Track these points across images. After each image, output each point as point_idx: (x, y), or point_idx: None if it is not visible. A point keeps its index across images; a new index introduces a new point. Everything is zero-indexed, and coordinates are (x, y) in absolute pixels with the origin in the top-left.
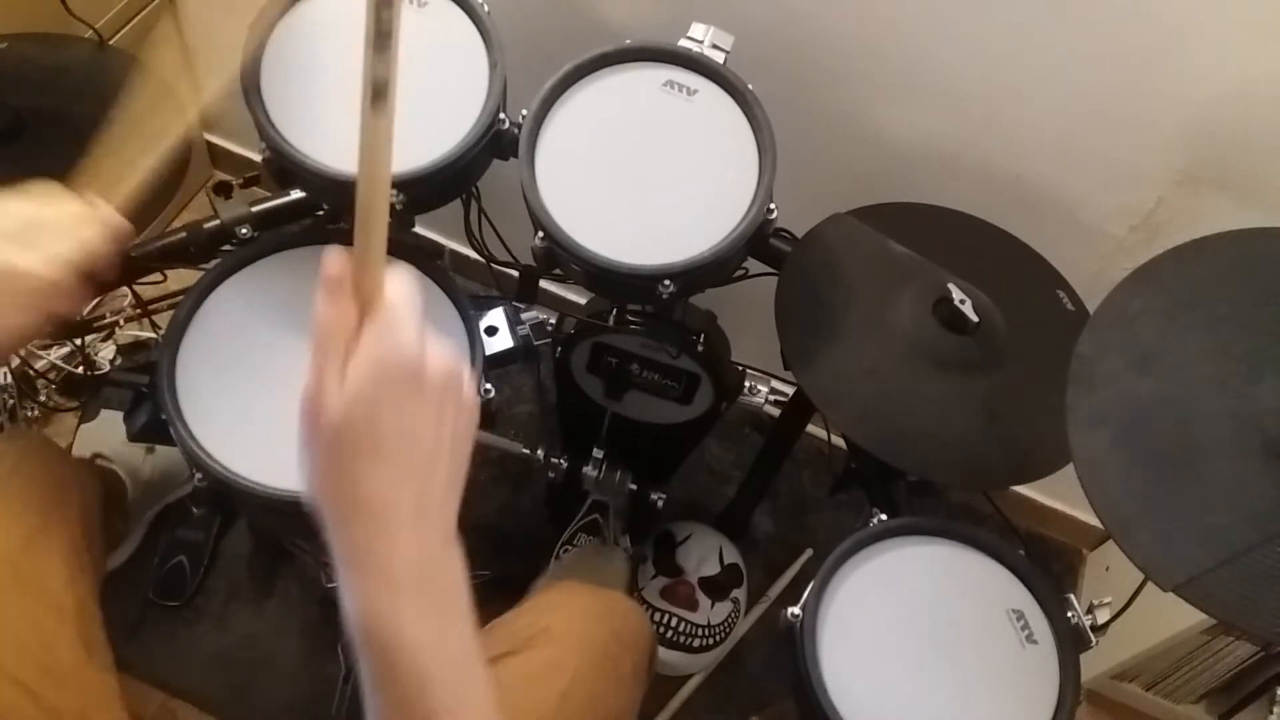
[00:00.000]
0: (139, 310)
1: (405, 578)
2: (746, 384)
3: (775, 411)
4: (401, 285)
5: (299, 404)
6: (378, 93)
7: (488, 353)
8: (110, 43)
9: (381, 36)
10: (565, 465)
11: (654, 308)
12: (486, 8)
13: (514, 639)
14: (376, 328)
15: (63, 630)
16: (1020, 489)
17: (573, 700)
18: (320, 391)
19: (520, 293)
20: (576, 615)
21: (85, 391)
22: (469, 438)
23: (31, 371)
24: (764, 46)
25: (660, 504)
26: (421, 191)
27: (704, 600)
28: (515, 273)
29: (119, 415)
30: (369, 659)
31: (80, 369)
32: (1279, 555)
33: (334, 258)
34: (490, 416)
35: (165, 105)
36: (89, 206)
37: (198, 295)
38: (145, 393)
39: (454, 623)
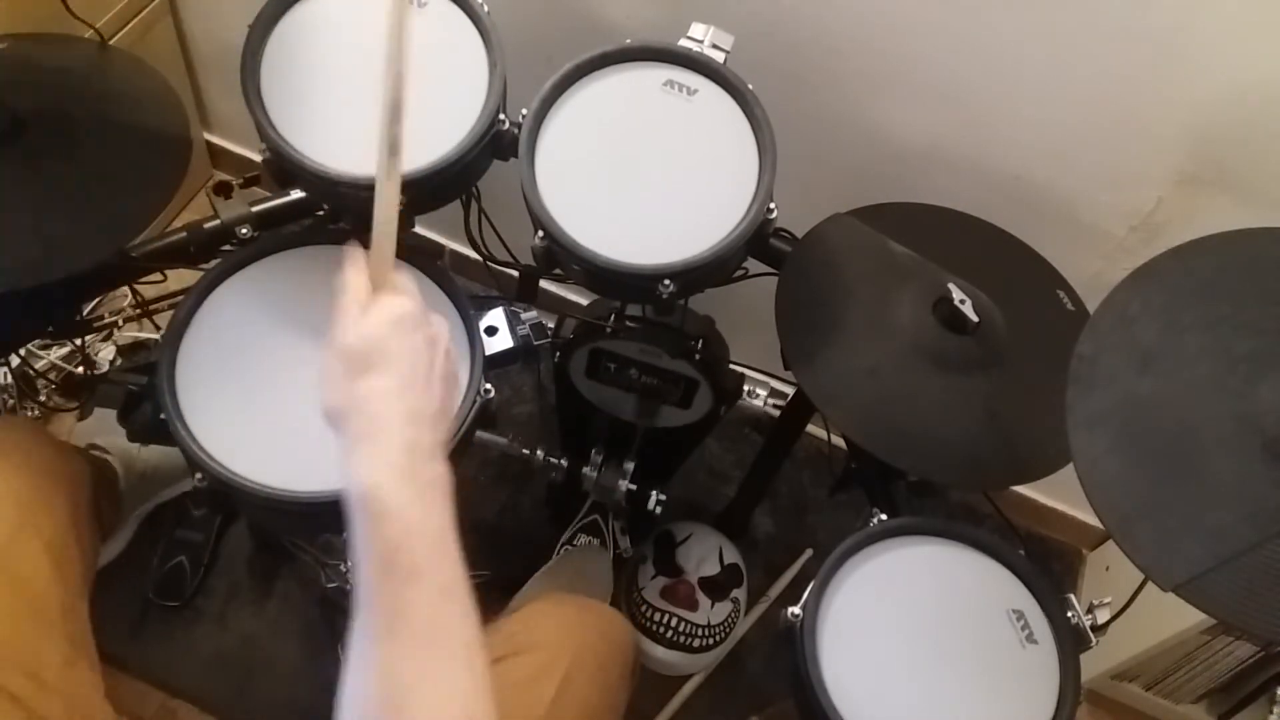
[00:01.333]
0: (139, 310)
1: (396, 461)
2: (746, 387)
3: (775, 412)
4: (406, 277)
5: (326, 347)
6: (393, 149)
7: (488, 353)
8: (110, 43)
9: (396, 108)
10: (565, 466)
11: (654, 308)
12: (486, 8)
13: (503, 645)
14: (389, 291)
15: (47, 629)
16: (1020, 489)
17: (562, 706)
18: (343, 327)
19: (520, 293)
20: (564, 623)
21: (85, 391)
22: (456, 380)
23: (31, 371)
24: (764, 46)
25: (660, 504)
26: (421, 192)
27: (704, 600)
28: (515, 273)
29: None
30: (361, 523)
31: (80, 369)
32: (1279, 555)
33: (355, 248)
34: (490, 417)
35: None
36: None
37: (198, 295)
38: (138, 391)
39: (435, 507)
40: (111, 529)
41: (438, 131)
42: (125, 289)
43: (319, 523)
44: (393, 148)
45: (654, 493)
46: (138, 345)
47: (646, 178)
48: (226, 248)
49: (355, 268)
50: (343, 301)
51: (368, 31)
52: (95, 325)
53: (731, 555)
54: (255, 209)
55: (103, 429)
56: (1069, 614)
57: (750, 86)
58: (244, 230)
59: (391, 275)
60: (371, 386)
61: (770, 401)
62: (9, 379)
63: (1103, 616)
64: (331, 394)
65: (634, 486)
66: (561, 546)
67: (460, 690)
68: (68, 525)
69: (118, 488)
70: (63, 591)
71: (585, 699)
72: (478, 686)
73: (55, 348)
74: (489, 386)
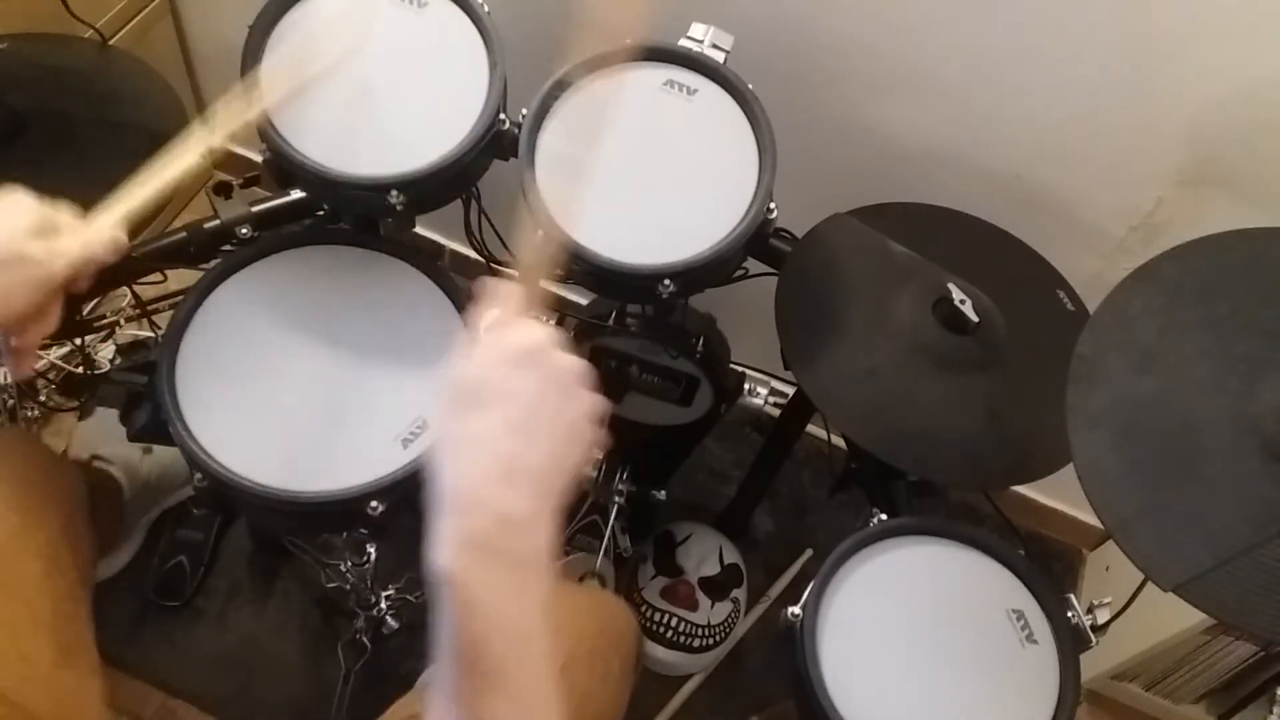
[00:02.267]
0: (139, 310)
1: (484, 535)
2: (746, 386)
3: (775, 411)
4: (538, 323)
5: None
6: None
7: None
8: (110, 43)
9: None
10: None
11: (654, 308)
12: (486, 8)
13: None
14: (512, 324)
15: (37, 633)
16: (1020, 489)
17: (563, 696)
18: (463, 355)
19: None
20: (566, 611)
21: (85, 391)
22: (582, 438)
23: (31, 371)
24: (764, 46)
25: (660, 504)
26: (422, 191)
27: (704, 600)
28: (515, 273)
29: (116, 413)
30: (443, 601)
31: (80, 368)
32: (1279, 555)
33: (491, 281)
34: None
35: (186, 132)
36: (97, 216)
37: (198, 295)
38: (141, 391)
39: (524, 597)
40: (115, 539)
41: (438, 131)
42: (125, 289)
43: (319, 523)
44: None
45: (654, 492)
46: (137, 345)
47: (647, 178)
48: (226, 248)
49: (491, 297)
50: (471, 330)
51: (368, 31)
52: (95, 325)
53: (731, 555)
54: (255, 209)
55: (104, 434)
56: (1069, 614)
57: (750, 86)
58: (244, 230)
59: (530, 310)
60: (471, 428)
61: (770, 401)
62: (9, 379)
63: (1103, 616)
64: (443, 424)
65: (634, 487)
66: (561, 547)
67: None
68: (60, 532)
69: (120, 499)
70: (55, 597)
71: (584, 688)
72: None
73: (55, 347)
74: None
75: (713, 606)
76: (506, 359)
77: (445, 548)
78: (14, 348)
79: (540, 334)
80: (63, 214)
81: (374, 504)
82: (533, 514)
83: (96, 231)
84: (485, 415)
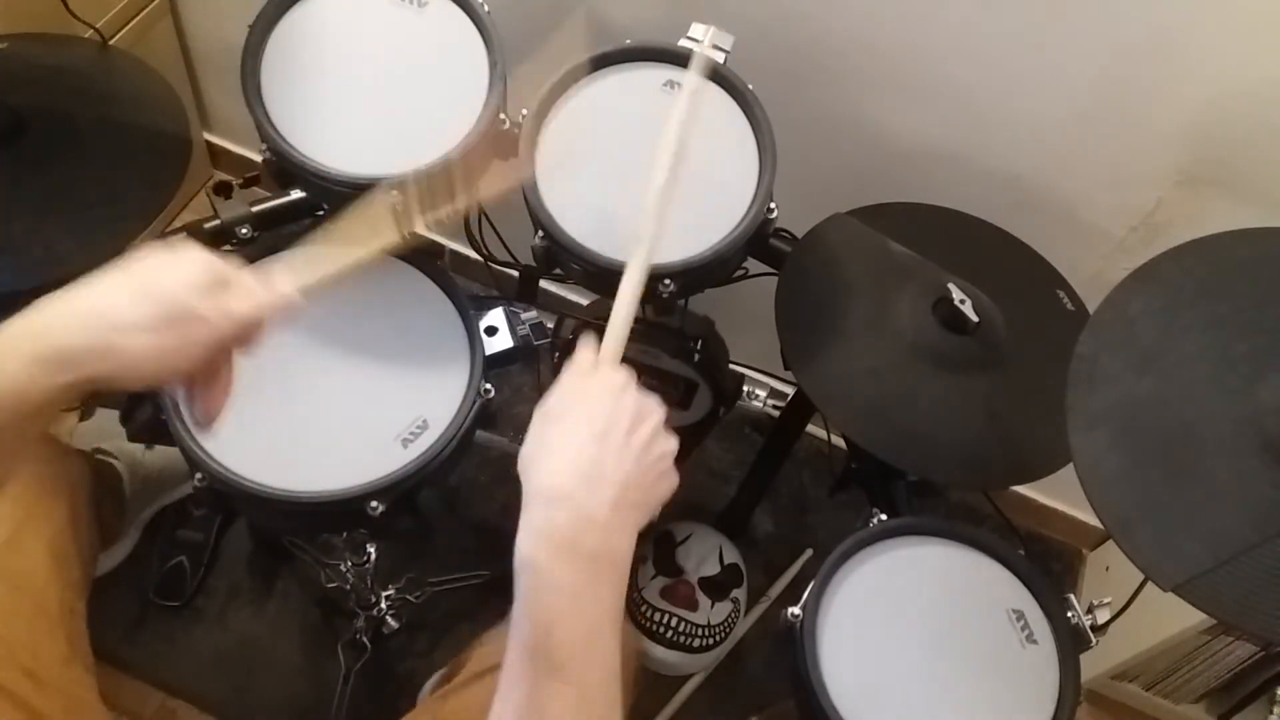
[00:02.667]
0: None
1: (560, 528)
2: (745, 388)
3: (775, 412)
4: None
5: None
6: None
7: (488, 353)
8: (110, 43)
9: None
10: None
11: (654, 308)
12: (486, 8)
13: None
14: (601, 367)
15: (47, 628)
16: (1020, 489)
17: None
18: (555, 389)
19: (520, 293)
20: None
21: None
22: (661, 473)
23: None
24: (764, 46)
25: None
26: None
27: (704, 600)
28: (515, 273)
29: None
30: (519, 587)
31: None
32: (1279, 555)
33: (590, 341)
34: (490, 417)
35: (382, 222)
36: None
37: None
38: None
39: (593, 592)
40: (115, 532)
41: (438, 131)
42: None
43: (319, 523)
44: (652, 247)
45: None
46: None
47: (647, 178)
48: (226, 248)
49: (587, 344)
50: (566, 370)
51: (368, 31)
52: None
53: (731, 555)
54: (255, 209)
55: (106, 432)
56: (1069, 614)
57: (750, 86)
58: (244, 230)
59: (618, 359)
60: (559, 429)
61: (770, 402)
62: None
63: (1103, 616)
64: (529, 443)
65: None
66: None
67: None
68: (67, 524)
69: (122, 492)
70: (62, 590)
71: None
72: None
73: None
74: (489, 386)
75: (713, 606)
76: (596, 387)
77: (528, 536)
78: (198, 415)
79: (624, 377)
80: (235, 270)
81: (374, 504)
82: (611, 517)
83: (271, 291)
84: (571, 423)
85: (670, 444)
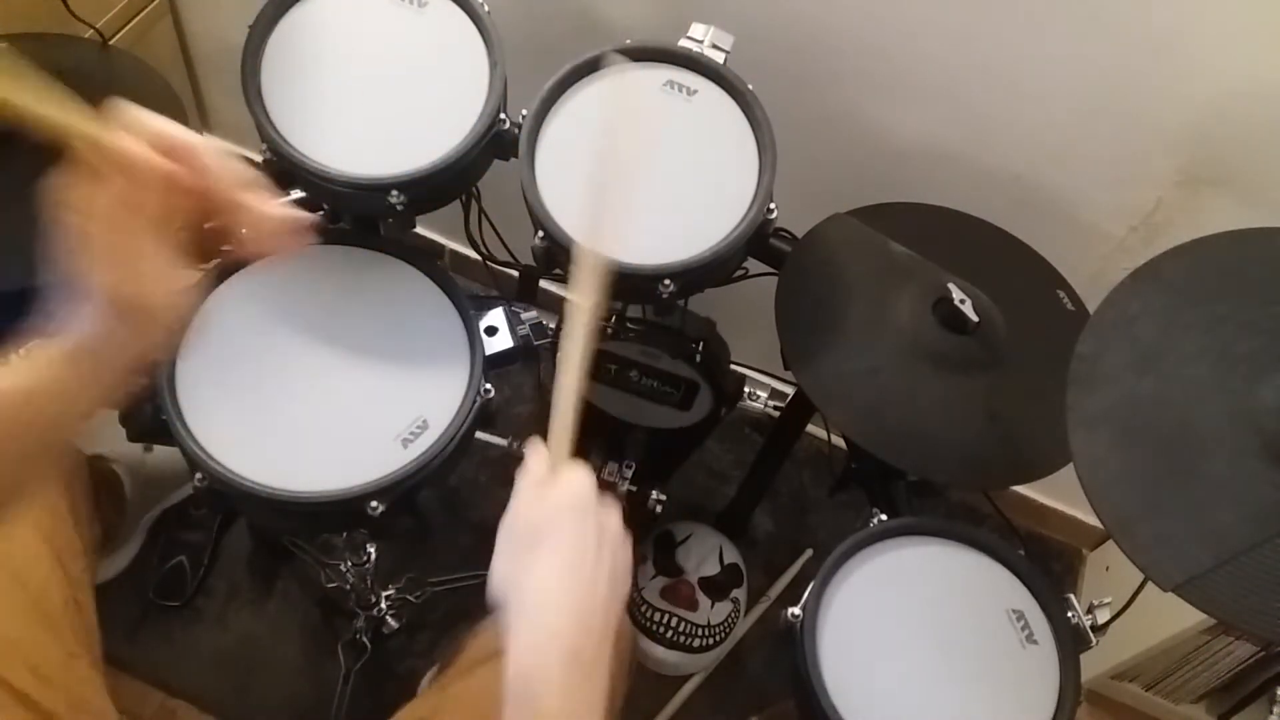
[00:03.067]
0: None
1: (548, 645)
2: (746, 389)
3: (775, 413)
4: (581, 469)
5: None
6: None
7: (488, 353)
8: (110, 43)
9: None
10: None
11: (654, 308)
12: (486, 8)
13: (495, 643)
14: (567, 471)
15: (49, 624)
16: (1020, 489)
17: None
18: (520, 503)
19: (520, 293)
20: None
21: None
22: (620, 589)
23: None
24: (764, 46)
25: (660, 505)
26: (421, 191)
27: (704, 600)
28: (515, 273)
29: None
30: (514, 710)
31: None
32: (1279, 555)
33: (538, 447)
34: (490, 417)
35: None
36: None
37: (198, 296)
38: (138, 391)
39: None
40: (118, 536)
41: (438, 131)
42: None
43: (319, 523)
44: (585, 350)
45: (654, 493)
46: None
47: (647, 179)
48: (227, 248)
49: (536, 451)
50: (522, 481)
51: (368, 31)
52: None
53: (731, 555)
54: None
55: (105, 434)
56: (1069, 614)
57: (750, 86)
58: (244, 230)
59: (569, 457)
60: (540, 560)
61: (770, 405)
62: None
63: (1103, 616)
64: (501, 566)
65: (634, 487)
66: None
67: None
68: (67, 520)
69: (123, 496)
70: (64, 586)
71: None
72: None
73: None
74: (489, 386)
75: (713, 606)
76: (562, 506)
77: (523, 660)
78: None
79: (580, 480)
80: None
81: (374, 504)
82: (595, 657)
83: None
84: (550, 554)
85: (628, 546)
